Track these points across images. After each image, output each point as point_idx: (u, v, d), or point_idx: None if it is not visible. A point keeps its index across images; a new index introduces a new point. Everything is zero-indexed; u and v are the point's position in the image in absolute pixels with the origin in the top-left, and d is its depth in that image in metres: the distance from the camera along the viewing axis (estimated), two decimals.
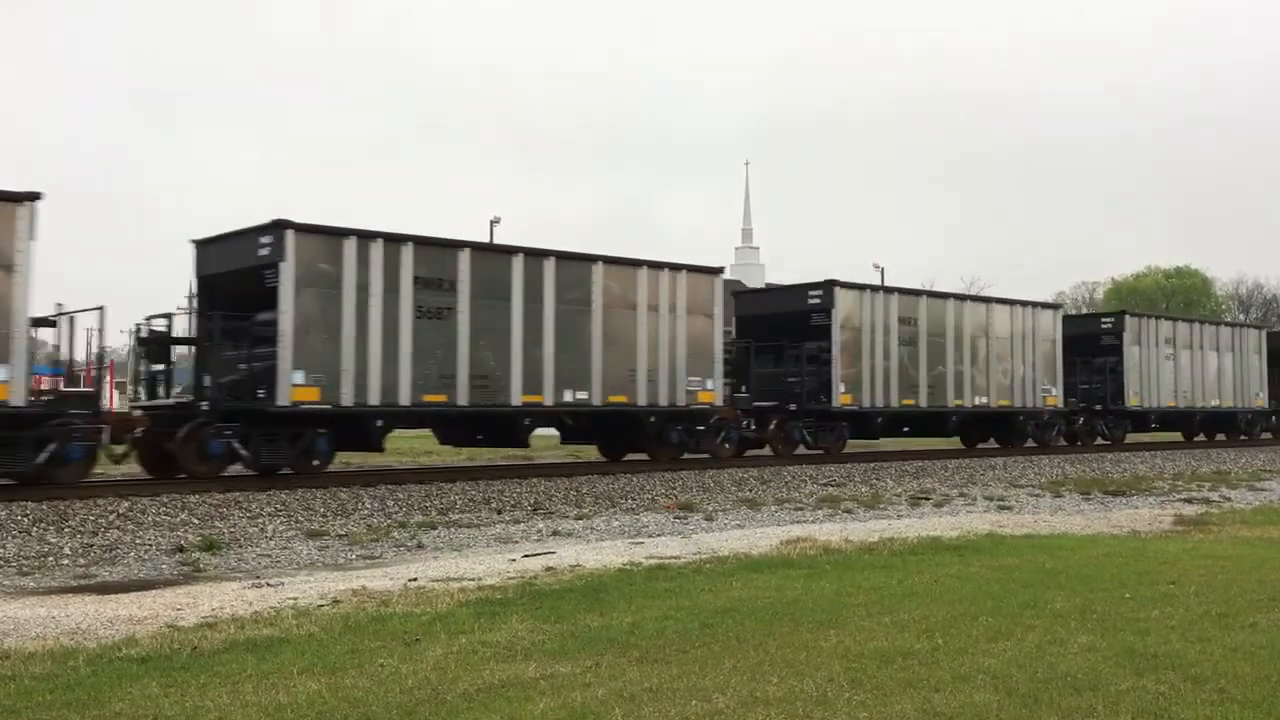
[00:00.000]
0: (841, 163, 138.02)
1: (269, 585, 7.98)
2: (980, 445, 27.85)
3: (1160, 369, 31.27)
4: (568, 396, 18.62)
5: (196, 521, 12.01)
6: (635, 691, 4.73)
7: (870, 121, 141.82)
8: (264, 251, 15.85)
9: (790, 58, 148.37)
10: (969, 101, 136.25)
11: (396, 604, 6.89)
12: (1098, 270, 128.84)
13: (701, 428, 20.64)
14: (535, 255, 18.45)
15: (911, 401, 24.45)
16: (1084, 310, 69.58)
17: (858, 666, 5.16)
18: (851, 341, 23.32)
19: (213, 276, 17.12)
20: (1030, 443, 27.60)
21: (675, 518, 13.08)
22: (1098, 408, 30.05)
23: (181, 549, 10.01)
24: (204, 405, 15.49)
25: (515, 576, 8.08)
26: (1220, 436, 34.83)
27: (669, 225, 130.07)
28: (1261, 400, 35.10)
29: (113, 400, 19.10)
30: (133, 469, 16.57)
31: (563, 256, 18.82)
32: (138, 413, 16.20)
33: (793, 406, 22.91)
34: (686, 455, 20.63)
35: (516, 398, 17.92)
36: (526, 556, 9.42)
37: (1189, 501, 15.26)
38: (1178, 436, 34.98)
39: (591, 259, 19.23)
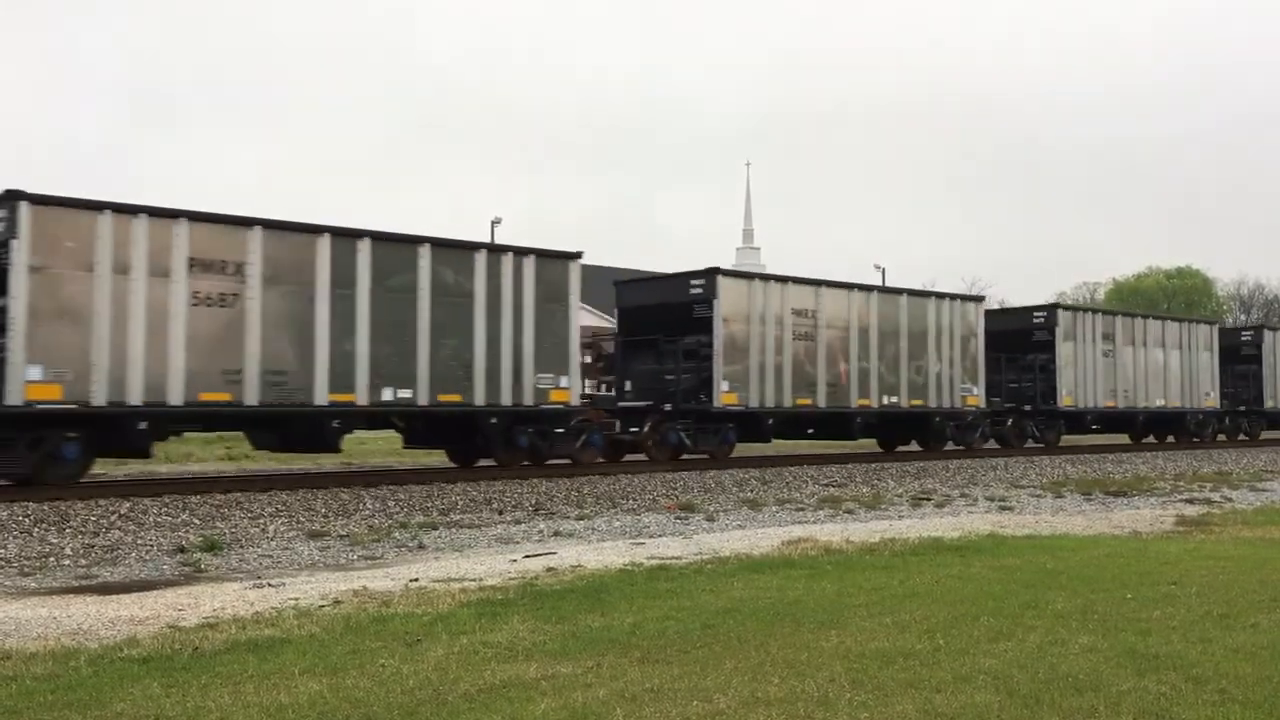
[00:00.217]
0: (841, 163, 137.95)
1: (270, 586, 7.98)
2: (901, 448, 25.97)
3: (1098, 366, 29.36)
4: (387, 395, 16.74)
5: (198, 522, 12.02)
6: (637, 692, 4.73)
7: (870, 121, 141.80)
8: None
9: (790, 58, 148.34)
10: (969, 101, 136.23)
11: (398, 604, 6.89)
12: (1098, 270, 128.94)
13: (560, 430, 18.97)
14: (346, 236, 16.52)
15: (808, 401, 22.46)
16: None
17: (859, 667, 5.16)
18: (739, 335, 21.37)
19: None
20: (951, 445, 25.87)
21: (676, 518, 13.08)
22: (1027, 408, 28.20)
23: (183, 549, 10.01)
24: None
25: (516, 577, 8.08)
26: (1173, 439, 32.77)
27: (669, 225, 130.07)
28: (1212, 400, 33.09)
29: None
30: (132, 469, 16.58)
31: (380, 238, 16.94)
32: None
33: (668, 406, 20.99)
34: (552, 461, 18.99)
35: (322, 396, 16.05)
36: (528, 557, 9.43)
37: (1190, 502, 15.25)
38: (1123, 439, 33.02)
39: (417, 240, 17.36)
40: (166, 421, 15.45)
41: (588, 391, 21.45)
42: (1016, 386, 28.31)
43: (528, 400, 18.35)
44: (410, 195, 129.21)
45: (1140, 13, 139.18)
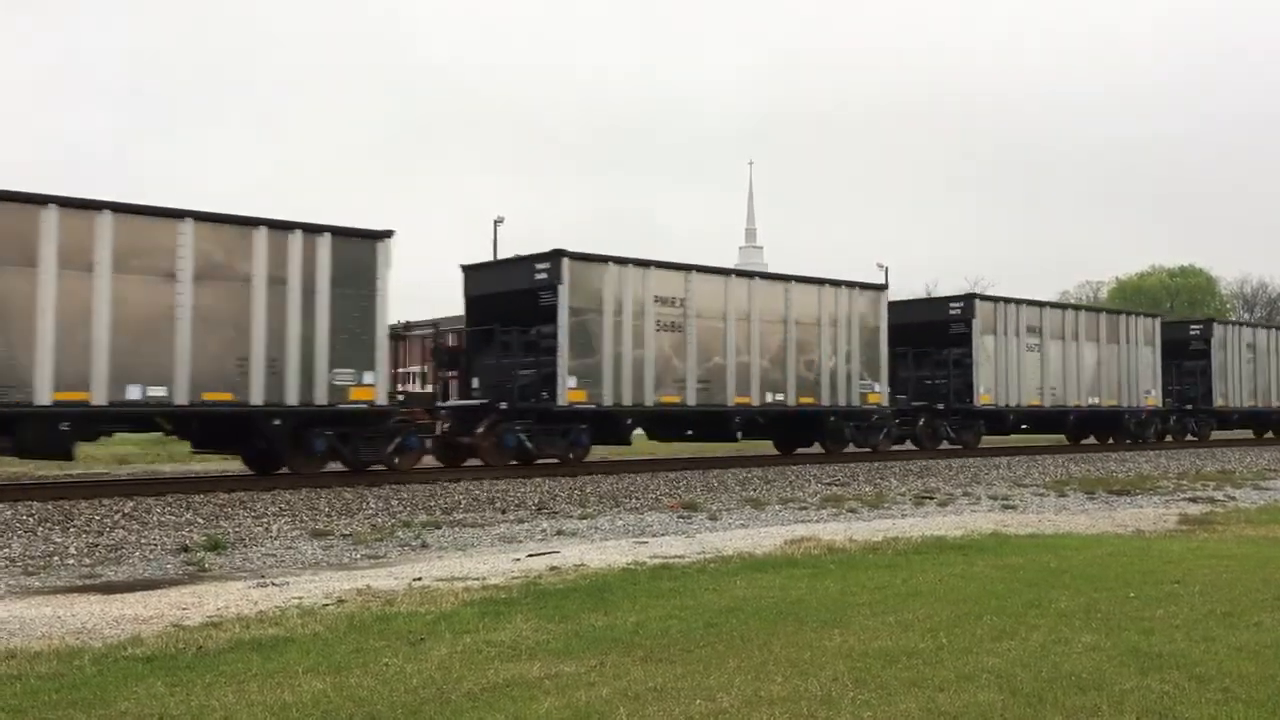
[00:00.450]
0: (842, 163, 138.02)
1: (274, 585, 7.99)
2: (801, 450, 23.88)
3: (1022, 362, 26.85)
4: (134, 394, 14.58)
5: (201, 521, 12.04)
6: (639, 691, 4.74)
7: (870, 121, 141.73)
8: None
9: (790, 58, 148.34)
10: (969, 101, 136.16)
11: (401, 603, 6.90)
12: (1099, 270, 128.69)
13: (369, 434, 16.99)
14: (79, 208, 14.34)
15: (677, 399, 20.23)
16: None
17: (862, 666, 5.16)
18: (590, 325, 19.14)
19: None
20: (851, 447, 23.56)
21: (679, 517, 13.08)
22: (940, 407, 25.91)
23: (186, 549, 10.03)
24: None
25: (520, 576, 8.09)
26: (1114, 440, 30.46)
27: (669, 225, 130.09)
28: (1154, 399, 30.58)
29: None
30: (135, 468, 16.59)
31: (124, 210, 14.67)
32: None
33: (503, 405, 18.88)
34: (373, 468, 17.07)
35: (45, 395, 13.95)
36: (531, 556, 9.43)
37: (1193, 501, 15.24)
38: (1059, 439, 30.92)
39: (177, 214, 15.11)
40: None
41: (406, 389, 19.68)
42: (931, 383, 26.07)
43: (320, 399, 16.13)
44: (411, 195, 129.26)
45: (1140, 13, 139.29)
